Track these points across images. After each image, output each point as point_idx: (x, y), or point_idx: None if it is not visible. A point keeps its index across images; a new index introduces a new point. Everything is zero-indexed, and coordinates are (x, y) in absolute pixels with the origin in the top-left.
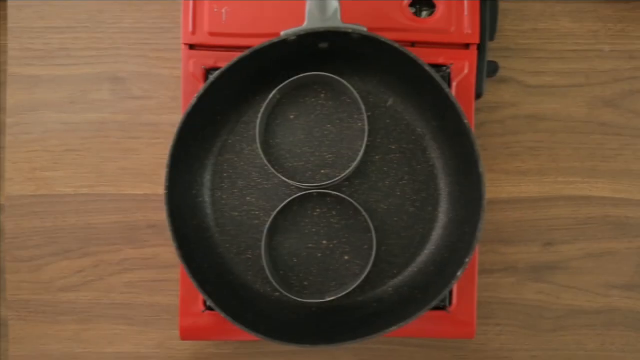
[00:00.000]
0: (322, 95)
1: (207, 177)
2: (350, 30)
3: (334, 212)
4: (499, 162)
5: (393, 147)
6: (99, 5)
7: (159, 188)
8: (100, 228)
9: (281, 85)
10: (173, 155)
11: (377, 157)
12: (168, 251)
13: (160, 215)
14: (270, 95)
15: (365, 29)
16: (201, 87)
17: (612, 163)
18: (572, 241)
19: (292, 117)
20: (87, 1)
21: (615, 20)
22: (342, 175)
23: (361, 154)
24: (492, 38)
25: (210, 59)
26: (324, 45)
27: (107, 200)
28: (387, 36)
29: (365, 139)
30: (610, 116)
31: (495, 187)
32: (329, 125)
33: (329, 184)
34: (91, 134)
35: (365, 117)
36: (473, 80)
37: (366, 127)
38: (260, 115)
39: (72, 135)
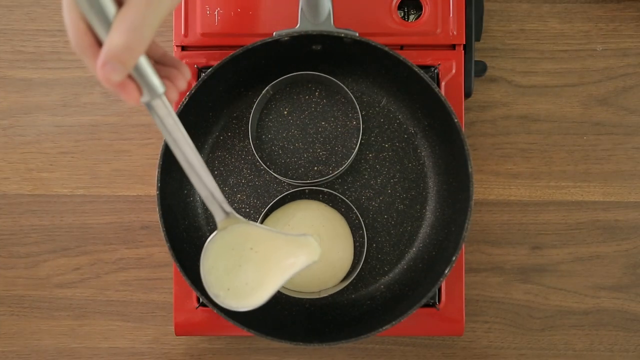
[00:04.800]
0: (317, 93)
1: None
2: (342, 35)
3: None
4: (490, 163)
5: (386, 146)
6: None
7: (151, 189)
8: (97, 228)
9: (274, 82)
10: (165, 154)
11: (370, 155)
12: (162, 251)
13: (153, 216)
14: (263, 91)
15: (356, 34)
16: (193, 85)
17: (605, 164)
18: (561, 246)
19: (285, 112)
20: None
21: (607, 20)
22: (336, 172)
23: (355, 151)
24: (478, 38)
25: (202, 58)
26: (317, 47)
27: (102, 202)
28: (377, 40)
29: (360, 137)
30: (604, 114)
31: (483, 189)
32: (322, 123)
33: (321, 180)
34: (84, 137)
35: (359, 116)
36: (461, 79)
37: (361, 126)
38: (253, 110)
39: (65, 137)
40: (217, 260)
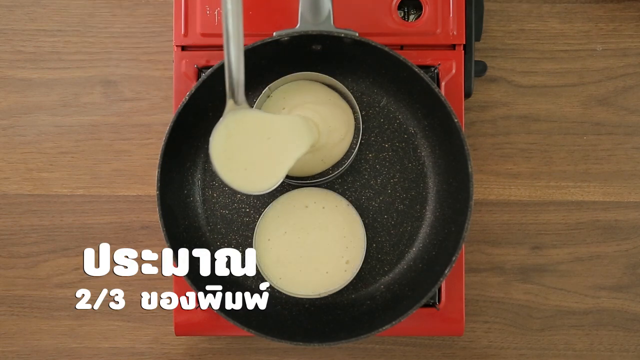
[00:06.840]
0: None
1: (198, 176)
2: (342, 35)
3: None
4: (490, 163)
5: (386, 146)
6: (89, 9)
7: (151, 189)
8: (97, 228)
9: (273, 83)
10: (164, 154)
11: (370, 155)
12: (162, 250)
13: (153, 216)
14: (263, 91)
15: (356, 34)
16: (193, 85)
17: (605, 164)
18: (561, 245)
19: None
20: (78, 4)
21: (607, 20)
22: (336, 172)
23: (355, 151)
24: (478, 38)
25: (202, 58)
26: (317, 47)
27: (102, 202)
28: (377, 40)
29: (359, 137)
30: (604, 114)
31: (483, 189)
32: None
33: (321, 180)
34: (84, 136)
35: (359, 116)
36: (461, 79)
37: (360, 126)
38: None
39: (65, 137)
40: (227, 144)
